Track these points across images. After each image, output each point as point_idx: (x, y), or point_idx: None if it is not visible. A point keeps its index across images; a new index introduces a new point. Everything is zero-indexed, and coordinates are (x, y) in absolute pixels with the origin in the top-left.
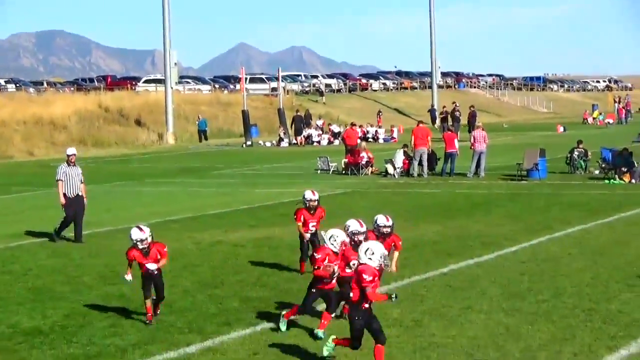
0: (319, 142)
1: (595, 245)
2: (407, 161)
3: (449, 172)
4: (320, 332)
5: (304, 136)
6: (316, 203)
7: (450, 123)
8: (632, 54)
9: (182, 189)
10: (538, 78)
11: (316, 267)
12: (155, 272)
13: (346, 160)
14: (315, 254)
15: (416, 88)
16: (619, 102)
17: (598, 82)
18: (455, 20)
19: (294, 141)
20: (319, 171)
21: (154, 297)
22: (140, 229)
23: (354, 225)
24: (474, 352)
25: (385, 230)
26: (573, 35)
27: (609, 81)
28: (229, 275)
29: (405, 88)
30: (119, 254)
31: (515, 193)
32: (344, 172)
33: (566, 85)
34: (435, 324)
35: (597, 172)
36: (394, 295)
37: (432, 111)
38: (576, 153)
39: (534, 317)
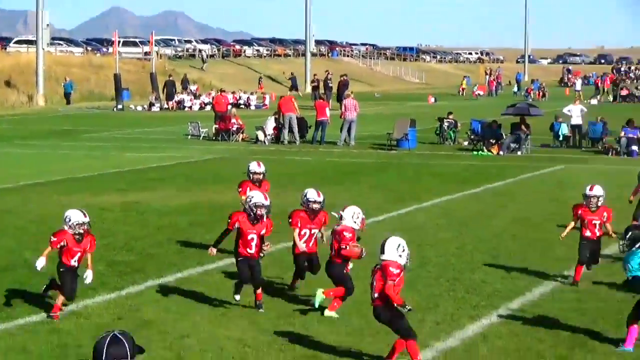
0: (190, 107)
1: (461, 215)
2: (277, 128)
3: (319, 140)
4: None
5: (175, 101)
6: (261, 176)
7: (322, 91)
8: (504, 27)
9: (52, 151)
10: (411, 49)
11: (344, 247)
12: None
13: (217, 126)
14: (345, 233)
15: (290, 55)
16: (490, 75)
17: (470, 54)
18: None
19: (166, 106)
20: (189, 136)
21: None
22: (84, 213)
23: (257, 197)
24: (338, 320)
25: (315, 206)
26: (447, 6)
27: (481, 53)
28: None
29: (279, 55)
30: None
31: (385, 162)
32: (214, 138)
33: (438, 57)
34: (301, 291)
35: (466, 143)
36: (408, 307)
37: (292, 79)
38: (446, 124)
39: None
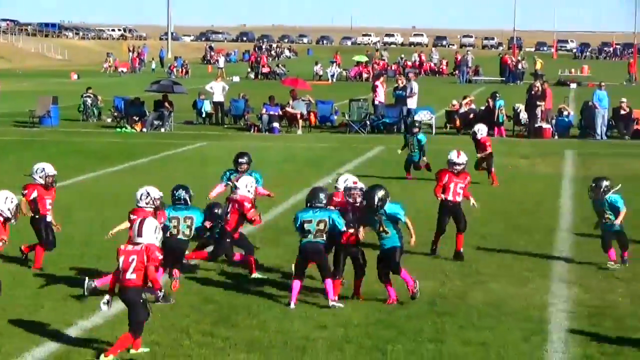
0: None
1: (104, 193)
2: None
3: None
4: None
5: None
6: (52, 179)
7: None
8: (148, 4)
9: None
10: (53, 25)
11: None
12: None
13: None
14: (246, 203)
15: None
16: (133, 51)
17: (113, 30)
18: None
19: None
20: None
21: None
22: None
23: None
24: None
25: (157, 203)
26: None
27: (124, 30)
28: None
29: None
30: None
31: (28, 140)
32: None
33: (81, 33)
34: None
35: (109, 120)
36: (162, 292)
37: None
38: (89, 101)
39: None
